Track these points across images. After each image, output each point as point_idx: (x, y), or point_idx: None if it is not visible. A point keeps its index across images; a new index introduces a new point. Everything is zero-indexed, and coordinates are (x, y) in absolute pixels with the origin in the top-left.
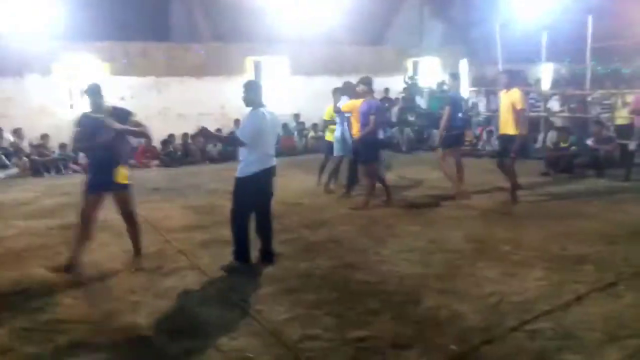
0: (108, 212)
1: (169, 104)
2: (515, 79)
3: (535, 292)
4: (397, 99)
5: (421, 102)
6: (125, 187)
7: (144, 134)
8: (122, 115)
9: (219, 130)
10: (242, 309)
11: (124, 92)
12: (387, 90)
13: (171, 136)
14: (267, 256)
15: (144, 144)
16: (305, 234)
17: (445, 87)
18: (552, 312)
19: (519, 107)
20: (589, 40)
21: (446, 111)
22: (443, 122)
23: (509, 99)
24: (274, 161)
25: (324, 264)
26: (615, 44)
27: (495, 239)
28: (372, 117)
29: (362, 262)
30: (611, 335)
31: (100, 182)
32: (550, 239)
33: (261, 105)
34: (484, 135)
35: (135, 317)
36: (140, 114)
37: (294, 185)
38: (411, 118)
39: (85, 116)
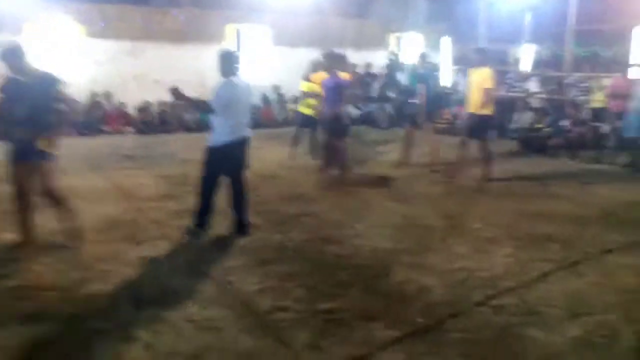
0: (73, 177)
1: (145, 69)
2: (487, 57)
3: (502, 269)
4: (380, 74)
5: (402, 78)
6: (44, 156)
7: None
8: (46, 82)
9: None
10: (214, 279)
11: (99, 56)
12: (369, 65)
13: (147, 103)
14: (241, 228)
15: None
16: (280, 206)
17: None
18: (517, 289)
19: (488, 85)
20: (570, 23)
21: (422, 89)
22: (422, 99)
23: (479, 77)
24: (248, 132)
25: (298, 236)
26: (598, 28)
27: (468, 216)
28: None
29: (336, 235)
30: (572, 312)
31: (21, 151)
32: (520, 217)
33: (234, 74)
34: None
35: (104, 285)
36: (117, 79)
37: (271, 157)
38: (392, 94)
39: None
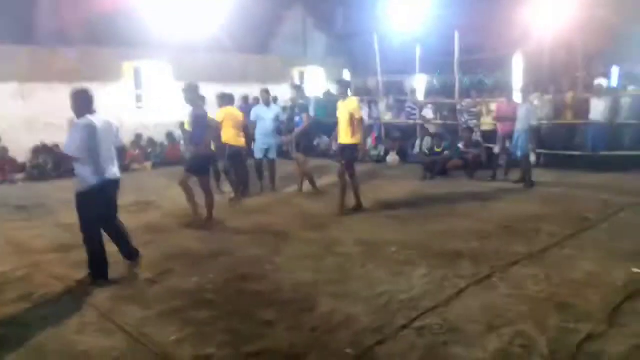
0: None
1: (36, 112)
2: (348, 88)
3: (421, 289)
4: (284, 107)
5: (309, 110)
6: None
7: None
8: None
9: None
10: (127, 333)
11: None
12: (275, 98)
13: (38, 147)
14: (130, 255)
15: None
16: (194, 246)
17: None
18: (437, 308)
19: (357, 116)
20: (457, 54)
21: (305, 118)
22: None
23: (347, 108)
24: (116, 172)
25: (216, 278)
26: (479, 58)
27: (383, 240)
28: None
29: (255, 272)
30: (490, 325)
31: None
32: (430, 237)
33: (89, 113)
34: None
35: (1, 353)
36: (2, 124)
37: (181, 196)
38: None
39: None
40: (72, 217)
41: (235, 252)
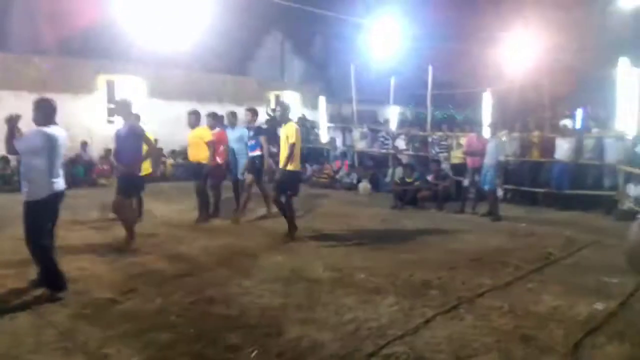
0: None
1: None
2: (287, 111)
3: (389, 318)
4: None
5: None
6: None
7: None
8: None
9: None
10: (87, 354)
11: None
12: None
13: (5, 157)
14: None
15: None
16: (160, 267)
17: (306, 122)
18: (404, 336)
19: (291, 140)
20: (429, 88)
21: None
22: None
23: (284, 132)
24: (63, 184)
25: (181, 299)
26: (451, 93)
27: (352, 267)
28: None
29: (222, 295)
30: (456, 356)
31: None
32: (400, 266)
33: (51, 124)
34: (347, 168)
35: None
36: None
37: (151, 214)
38: (273, 149)
39: None
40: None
41: (202, 273)
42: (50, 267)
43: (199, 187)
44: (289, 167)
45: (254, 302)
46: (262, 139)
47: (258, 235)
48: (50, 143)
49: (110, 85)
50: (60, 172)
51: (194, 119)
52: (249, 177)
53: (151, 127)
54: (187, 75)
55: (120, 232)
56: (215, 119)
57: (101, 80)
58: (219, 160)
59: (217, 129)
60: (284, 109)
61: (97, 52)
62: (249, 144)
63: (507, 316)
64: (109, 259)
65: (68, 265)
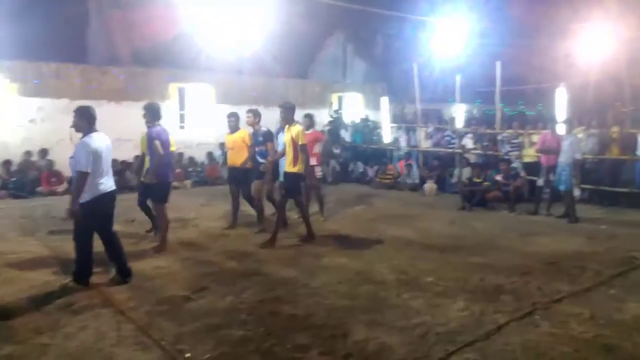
0: (15, 244)
1: None
2: (292, 112)
3: (459, 323)
4: (322, 131)
5: (346, 135)
6: None
7: None
8: None
9: (137, 157)
10: (163, 348)
11: (33, 114)
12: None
13: None
14: (124, 274)
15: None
16: (230, 266)
17: (369, 123)
18: (475, 343)
19: (300, 142)
20: (498, 84)
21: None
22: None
23: (291, 134)
24: (113, 184)
25: (250, 297)
26: (520, 88)
27: (419, 270)
28: (157, 143)
29: (289, 294)
30: None
31: None
32: (468, 269)
33: (92, 131)
34: (405, 169)
35: None
36: (53, 138)
37: (218, 215)
38: (336, 151)
39: None
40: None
41: (270, 273)
42: (81, 261)
43: (233, 191)
44: (294, 169)
45: (320, 302)
46: (269, 145)
47: (322, 237)
48: (93, 149)
49: (181, 93)
50: (108, 174)
51: (234, 122)
52: (258, 182)
53: (220, 132)
54: (252, 81)
55: (191, 232)
56: (311, 119)
57: (173, 88)
58: (314, 161)
59: (311, 129)
60: (287, 109)
61: (169, 61)
62: (257, 150)
63: (587, 324)
64: (182, 256)
65: (146, 264)
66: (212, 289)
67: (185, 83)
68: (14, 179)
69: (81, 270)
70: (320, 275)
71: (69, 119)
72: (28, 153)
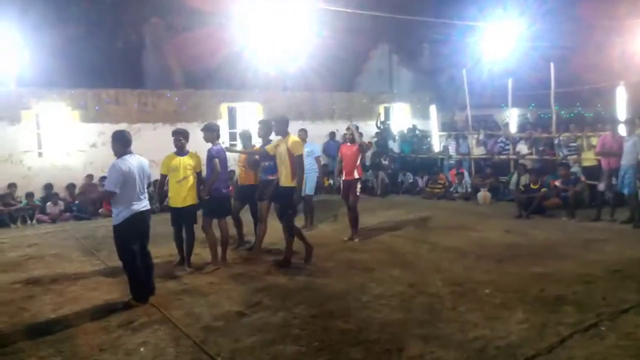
0: (67, 264)
1: (140, 150)
2: (283, 125)
3: (519, 336)
4: (370, 143)
5: (394, 146)
6: None
7: None
8: None
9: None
10: None
11: (95, 139)
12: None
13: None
14: (148, 291)
15: None
16: (281, 280)
17: (417, 132)
18: (537, 357)
19: (296, 153)
20: (553, 86)
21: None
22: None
23: (285, 145)
24: (147, 204)
25: (303, 312)
26: (576, 89)
27: (474, 281)
28: (216, 160)
29: (341, 309)
30: None
31: None
32: (527, 280)
33: (126, 153)
34: (456, 178)
35: None
36: (112, 161)
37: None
38: (385, 162)
39: None
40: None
41: (321, 288)
42: (131, 278)
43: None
44: (290, 184)
45: (373, 316)
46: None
47: (372, 249)
48: (120, 172)
49: (231, 112)
50: (141, 194)
51: (264, 131)
52: (264, 204)
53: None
54: (299, 96)
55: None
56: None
57: (224, 107)
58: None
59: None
60: (279, 121)
61: (219, 82)
62: (263, 165)
63: None
64: (235, 272)
65: (199, 281)
66: (265, 304)
67: (235, 102)
68: (77, 201)
69: (135, 288)
70: (372, 289)
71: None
72: (90, 177)
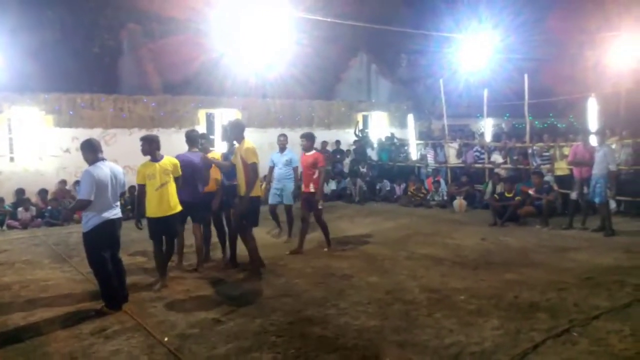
0: (38, 270)
1: (116, 156)
2: (237, 130)
3: (494, 342)
4: (348, 150)
5: (372, 154)
6: None
7: None
8: None
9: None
10: None
11: (68, 144)
12: (338, 142)
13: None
14: (120, 298)
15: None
16: (259, 287)
17: (395, 140)
18: None
19: (251, 160)
20: (527, 97)
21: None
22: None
23: (239, 152)
24: (118, 212)
25: (280, 319)
26: (549, 100)
27: (450, 288)
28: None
29: (319, 315)
30: None
31: None
32: (502, 286)
33: (97, 160)
34: (433, 186)
35: None
36: (86, 167)
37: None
38: (363, 169)
39: None
40: (136, 256)
41: (299, 294)
42: (103, 285)
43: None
44: (251, 193)
45: (351, 323)
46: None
47: (350, 256)
48: (92, 180)
49: (209, 118)
50: (112, 202)
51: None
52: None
53: None
54: (278, 103)
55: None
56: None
57: (201, 114)
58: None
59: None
60: (233, 126)
61: (197, 88)
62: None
63: (627, 341)
64: (212, 280)
65: (176, 287)
66: (241, 312)
67: (213, 109)
68: (49, 207)
69: (107, 295)
70: (350, 295)
71: (102, 147)
72: (63, 182)
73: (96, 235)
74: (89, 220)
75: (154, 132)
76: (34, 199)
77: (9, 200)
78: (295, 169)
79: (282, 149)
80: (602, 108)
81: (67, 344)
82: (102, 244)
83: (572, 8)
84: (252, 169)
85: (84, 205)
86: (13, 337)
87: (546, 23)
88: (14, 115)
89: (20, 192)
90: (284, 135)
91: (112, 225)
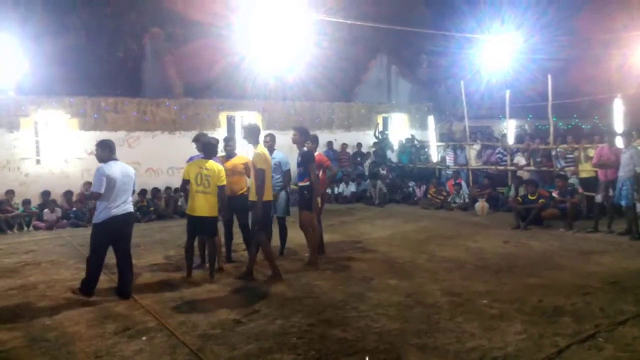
0: (64, 271)
1: (139, 158)
2: (256, 134)
3: (517, 347)
4: (368, 153)
5: (392, 156)
6: None
7: None
8: None
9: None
10: None
11: (93, 146)
12: (359, 144)
13: (144, 191)
14: (123, 293)
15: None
16: (279, 289)
17: (415, 142)
18: None
19: (259, 166)
20: (550, 98)
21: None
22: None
23: (252, 157)
24: (129, 208)
25: (300, 321)
26: (574, 101)
27: (472, 291)
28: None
29: (339, 318)
30: None
31: None
32: (526, 290)
33: (111, 159)
34: (454, 188)
35: None
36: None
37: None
38: (382, 171)
39: None
40: (168, 256)
41: (319, 296)
42: (90, 275)
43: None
44: (255, 198)
45: (371, 326)
46: (310, 166)
47: (371, 258)
48: (104, 176)
49: (230, 121)
50: (124, 198)
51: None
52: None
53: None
54: (298, 106)
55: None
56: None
57: (222, 116)
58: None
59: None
60: (248, 130)
61: (218, 91)
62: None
63: None
64: (233, 281)
65: (199, 288)
66: (262, 313)
67: (234, 111)
68: (74, 208)
69: (89, 282)
70: (370, 298)
71: (126, 149)
72: (88, 184)
73: (103, 229)
74: (100, 213)
75: (176, 135)
76: (59, 200)
77: (35, 201)
78: (286, 173)
79: (270, 149)
80: (628, 109)
81: (91, 342)
82: (106, 238)
83: (597, 7)
84: (258, 175)
85: (95, 196)
86: (39, 336)
87: (571, 22)
88: (40, 118)
89: (46, 193)
90: (270, 135)
91: (120, 222)
